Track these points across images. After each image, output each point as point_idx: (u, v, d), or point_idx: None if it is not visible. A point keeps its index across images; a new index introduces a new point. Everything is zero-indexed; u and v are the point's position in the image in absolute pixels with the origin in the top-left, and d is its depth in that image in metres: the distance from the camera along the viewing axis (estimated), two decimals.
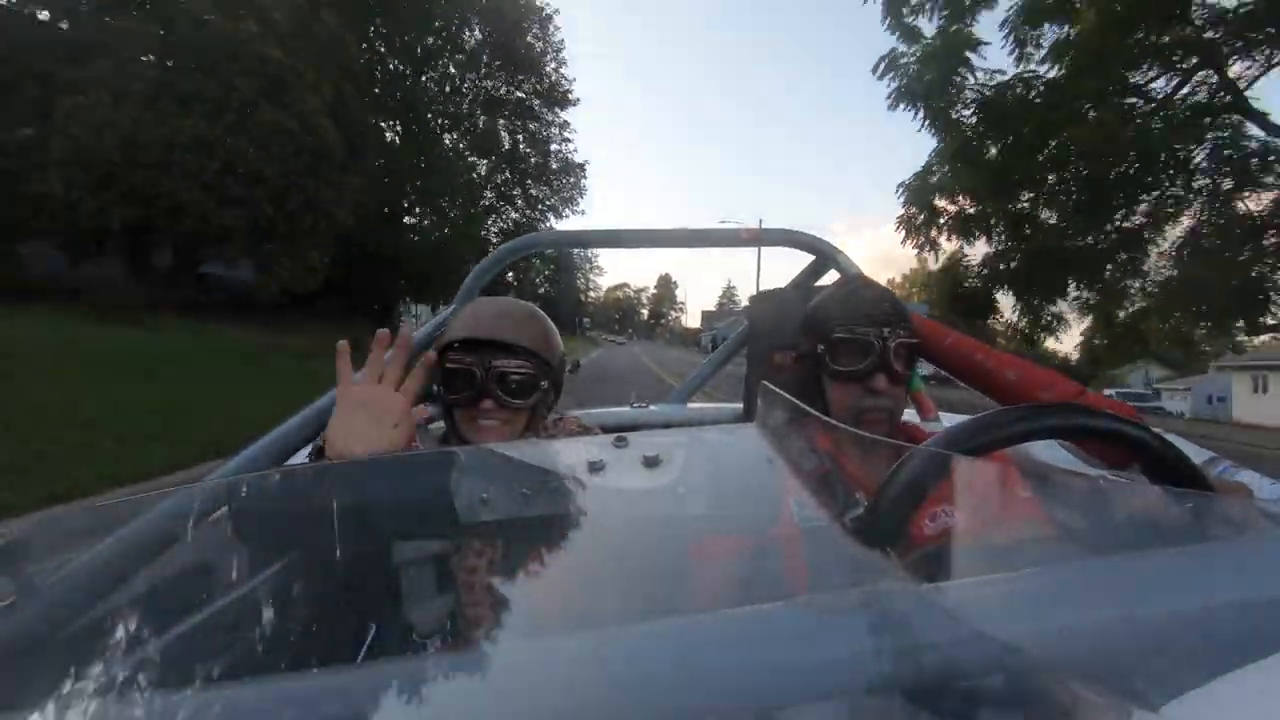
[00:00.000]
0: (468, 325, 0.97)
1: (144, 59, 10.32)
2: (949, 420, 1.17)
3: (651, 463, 0.58)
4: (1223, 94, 8.38)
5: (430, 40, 16.91)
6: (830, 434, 0.55)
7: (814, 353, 0.94)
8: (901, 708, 0.26)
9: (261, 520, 0.56)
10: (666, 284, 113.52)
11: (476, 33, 17.85)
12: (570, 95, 20.52)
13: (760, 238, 1.59)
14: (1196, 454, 0.75)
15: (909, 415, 1.18)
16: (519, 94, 19.84)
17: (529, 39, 18.87)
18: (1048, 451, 1.07)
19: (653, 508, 0.55)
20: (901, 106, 9.42)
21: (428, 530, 0.55)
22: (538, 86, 19.75)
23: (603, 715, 0.26)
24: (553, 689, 0.28)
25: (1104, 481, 0.51)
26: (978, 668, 0.27)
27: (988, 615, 0.30)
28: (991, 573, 0.34)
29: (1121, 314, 10.55)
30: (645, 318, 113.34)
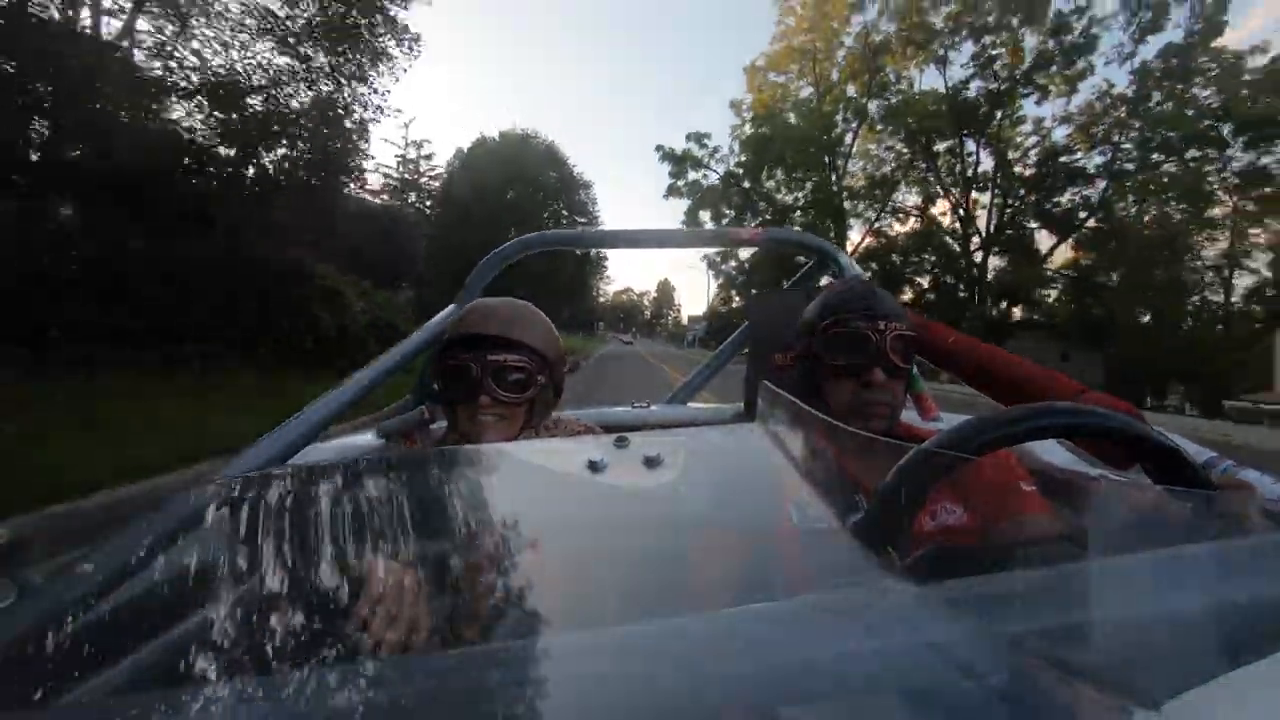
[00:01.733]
0: (466, 323, 0.98)
1: None
2: (950, 420, 1.17)
3: (651, 463, 0.58)
4: None
5: (547, 217, 32.58)
6: (830, 433, 0.55)
7: (810, 351, 0.94)
8: (901, 708, 0.26)
9: (262, 520, 0.56)
10: (665, 288, 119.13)
11: (560, 203, 33.92)
12: (599, 221, 35.35)
13: (761, 238, 1.59)
14: (1198, 453, 0.75)
15: (909, 415, 1.18)
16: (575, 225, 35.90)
17: (580, 197, 35.64)
18: (1049, 451, 1.07)
19: (653, 507, 0.55)
20: None
21: (428, 530, 0.55)
22: (583, 219, 35.14)
23: (603, 714, 0.26)
24: (553, 688, 0.28)
25: (1105, 481, 0.51)
26: (978, 668, 0.27)
27: (988, 615, 0.30)
28: (992, 572, 0.34)
29: None
30: (647, 318, 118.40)
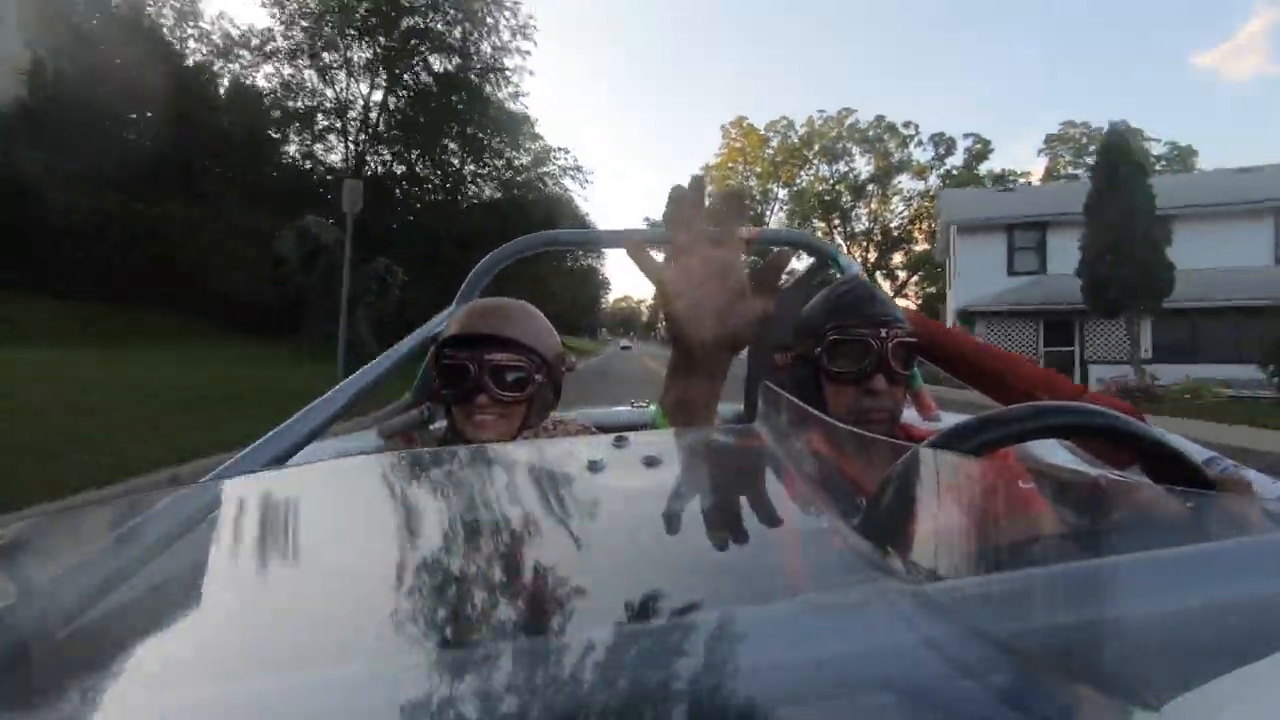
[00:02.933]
0: (462, 322, 0.98)
1: None
2: (949, 419, 1.17)
3: (651, 463, 0.58)
4: None
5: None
6: (830, 433, 0.55)
7: (811, 354, 0.94)
8: (901, 708, 0.26)
9: (261, 520, 0.56)
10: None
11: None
12: (603, 259, 44.74)
13: (759, 238, 1.59)
14: (1198, 453, 0.75)
15: (908, 415, 1.17)
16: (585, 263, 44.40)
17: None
18: (1049, 450, 1.07)
19: (652, 507, 0.55)
20: None
21: (426, 530, 0.55)
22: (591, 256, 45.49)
23: (602, 715, 0.26)
24: (552, 689, 0.28)
25: (1105, 481, 0.50)
26: (978, 668, 0.27)
27: (988, 615, 0.30)
28: (991, 573, 0.34)
29: None
30: (645, 323, 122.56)
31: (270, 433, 0.96)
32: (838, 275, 1.47)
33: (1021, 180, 36.85)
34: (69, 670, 0.33)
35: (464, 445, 0.92)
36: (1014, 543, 0.62)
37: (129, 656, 0.35)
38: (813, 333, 0.94)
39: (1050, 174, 37.11)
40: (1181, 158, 35.68)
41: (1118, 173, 12.39)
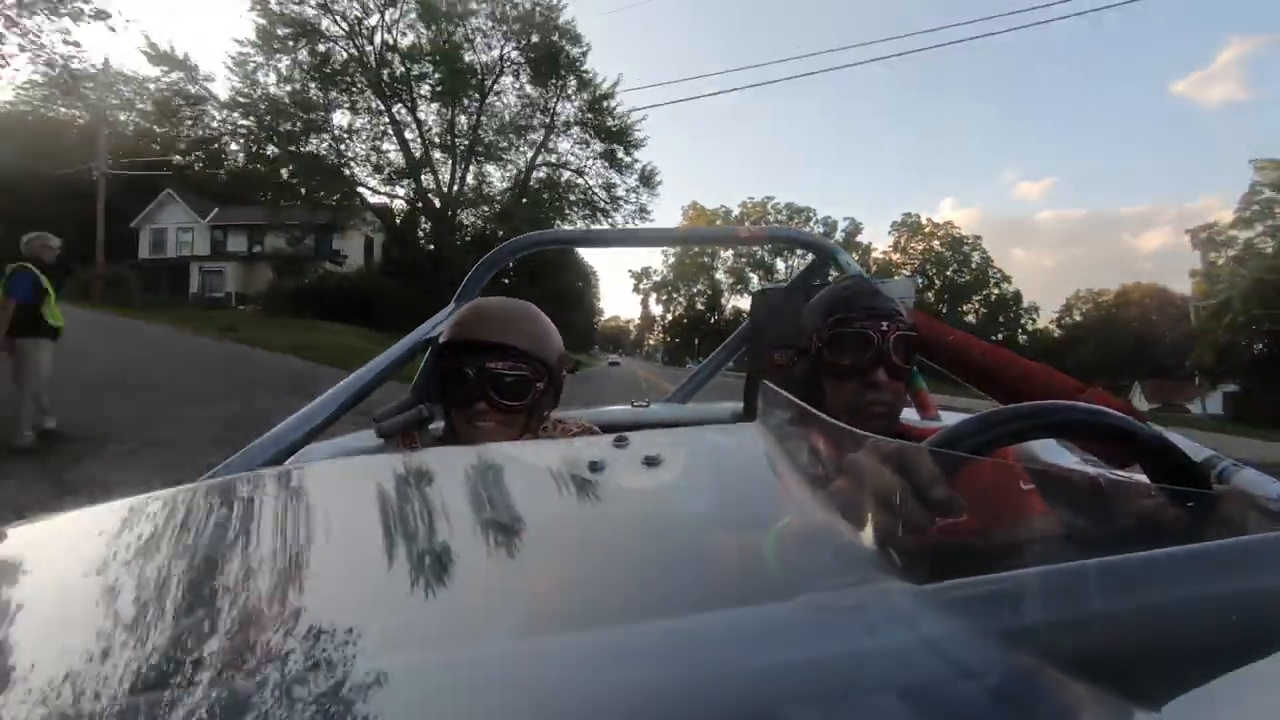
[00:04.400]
0: (462, 327, 0.97)
1: None
2: (949, 419, 1.17)
3: (651, 462, 0.58)
4: None
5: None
6: (831, 433, 0.55)
7: (812, 349, 0.93)
8: (901, 708, 0.26)
9: (259, 520, 0.56)
10: (647, 315, 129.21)
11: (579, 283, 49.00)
12: (599, 291, 50.26)
13: (760, 236, 1.59)
14: (1196, 452, 0.75)
15: (908, 414, 1.17)
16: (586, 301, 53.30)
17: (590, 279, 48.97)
18: (1048, 449, 1.07)
19: (652, 507, 0.55)
20: None
21: (425, 530, 0.55)
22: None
23: (602, 715, 0.26)
24: (551, 689, 0.28)
25: (1104, 480, 0.50)
26: (978, 668, 0.27)
27: (988, 615, 0.30)
28: (991, 573, 0.34)
29: None
30: (633, 339, 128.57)
31: (269, 432, 0.96)
32: (837, 273, 1.47)
33: (874, 252, 62.32)
34: (70, 669, 0.33)
35: (465, 446, 0.91)
36: (1014, 542, 0.62)
37: (129, 657, 0.35)
38: (814, 328, 0.93)
39: (896, 247, 61.39)
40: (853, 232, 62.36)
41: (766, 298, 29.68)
